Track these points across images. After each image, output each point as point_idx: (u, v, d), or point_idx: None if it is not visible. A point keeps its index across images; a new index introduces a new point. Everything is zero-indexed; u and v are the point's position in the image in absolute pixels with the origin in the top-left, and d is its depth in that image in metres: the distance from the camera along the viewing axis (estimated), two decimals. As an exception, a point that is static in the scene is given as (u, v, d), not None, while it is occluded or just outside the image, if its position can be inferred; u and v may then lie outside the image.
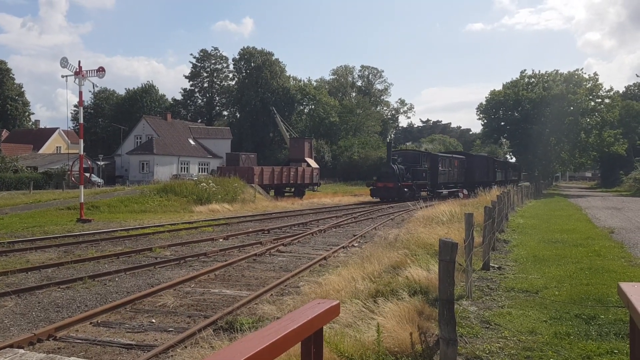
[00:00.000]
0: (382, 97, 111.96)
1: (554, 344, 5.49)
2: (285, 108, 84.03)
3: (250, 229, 19.00)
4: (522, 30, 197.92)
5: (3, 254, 12.83)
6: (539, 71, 59.91)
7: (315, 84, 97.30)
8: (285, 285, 9.77)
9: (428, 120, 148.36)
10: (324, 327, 2.84)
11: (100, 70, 19.29)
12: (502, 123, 60.42)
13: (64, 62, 19.36)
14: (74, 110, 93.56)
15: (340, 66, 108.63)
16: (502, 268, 10.37)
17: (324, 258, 12.74)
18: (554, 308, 6.92)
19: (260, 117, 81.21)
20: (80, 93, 19.93)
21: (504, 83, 60.85)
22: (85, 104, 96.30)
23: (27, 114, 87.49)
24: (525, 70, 62.08)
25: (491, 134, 63.06)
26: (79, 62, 19.70)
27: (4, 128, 75.56)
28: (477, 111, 62.63)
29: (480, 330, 6.12)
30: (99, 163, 57.99)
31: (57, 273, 10.68)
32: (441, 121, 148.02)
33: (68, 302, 8.27)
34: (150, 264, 11.71)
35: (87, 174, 51.99)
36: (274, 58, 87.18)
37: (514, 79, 60.14)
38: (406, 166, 37.99)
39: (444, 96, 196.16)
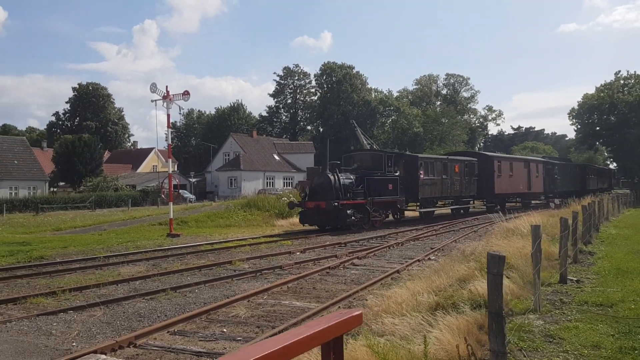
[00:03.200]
0: (468, 105, 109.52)
1: (616, 359, 5.28)
2: (367, 120, 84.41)
3: (328, 242, 19.31)
4: (620, 29, 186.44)
5: (99, 267, 13.94)
6: (635, 72, 56.30)
7: (397, 94, 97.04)
8: (354, 298, 9.93)
9: (520, 127, 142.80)
10: (361, 336, 3.02)
11: (185, 94, 20.54)
12: (597, 128, 57.26)
13: (153, 88, 20.79)
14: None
15: (424, 75, 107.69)
16: (581, 281, 9.95)
17: (397, 271, 12.77)
18: (625, 322, 6.61)
19: (342, 131, 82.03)
20: (168, 116, 21.33)
21: (597, 86, 57.72)
22: (178, 124, 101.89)
23: (126, 135, 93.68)
24: (619, 71, 58.56)
25: (585, 140, 59.93)
26: (167, 87, 21.10)
27: (106, 149, 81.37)
28: (570, 116, 59.76)
29: (541, 344, 5.99)
30: (191, 180, 60.99)
31: (144, 285, 11.47)
32: (534, 127, 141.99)
33: (150, 312, 8.90)
34: (228, 276, 12.29)
35: (179, 191, 54.86)
36: (354, 71, 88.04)
37: (608, 81, 56.90)
38: (359, 175, 24.94)
39: (536, 101, 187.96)
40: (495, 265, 4.95)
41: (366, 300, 9.44)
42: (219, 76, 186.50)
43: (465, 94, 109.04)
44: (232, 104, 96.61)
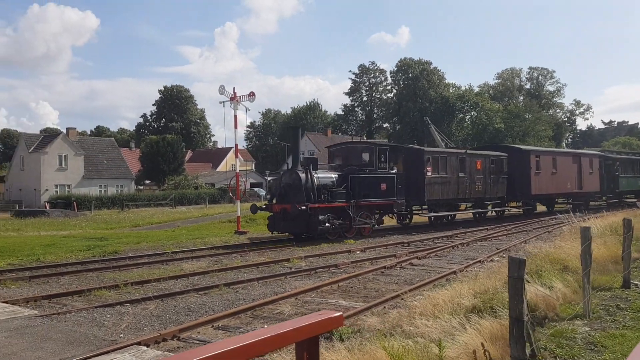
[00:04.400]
0: (554, 99, 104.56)
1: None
2: (445, 117, 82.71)
3: (391, 242, 19.16)
4: None
5: (165, 262, 14.62)
6: None
7: (477, 89, 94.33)
8: (402, 299, 9.81)
9: (611, 122, 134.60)
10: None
11: (251, 95, 21.11)
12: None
13: (222, 90, 21.50)
14: (247, 130, 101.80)
15: (506, 69, 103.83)
16: (646, 287, 9.29)
17: (454, 272, 12.47)
18: (678, 334, 6.13)
19: (419, 128, 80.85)
20: (235, 117, 22.00)
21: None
22: (256, 124, 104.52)
23: (208, 135, 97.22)
24: None
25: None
26: (234, 88, 21.77)
27: (188, 149, 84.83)
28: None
29: (579, 352, 5.68)
30: (267, 178, 62.44)
31: (201, 280, 11.91)
32: (627, 122, 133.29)
33: (199, 307, 9.25)
34: (282, 274, 12.50)
35: (255, 189, 56.28)
36: (432, 67, 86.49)
37: None
38: (343, 173, 20.87)
39: (631, 94, 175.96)
40: (516, 269, 4.77)
41: (414, 301, 9.32)
42: (297, 75, 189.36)
43: (550, 88, 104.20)
44: (307, 103, 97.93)
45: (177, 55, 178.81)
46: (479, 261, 14.22)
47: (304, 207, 18.28)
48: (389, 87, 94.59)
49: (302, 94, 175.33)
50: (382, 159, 21.55)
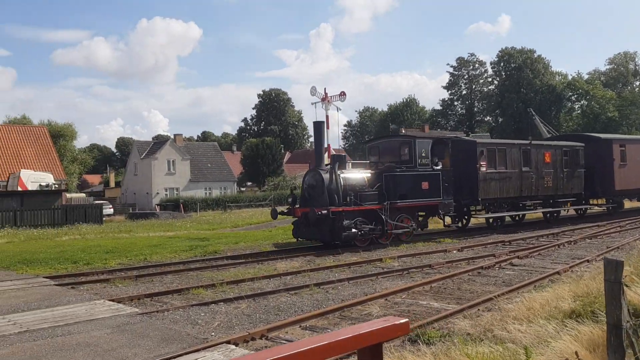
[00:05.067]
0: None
1: None
2: (552, 107, 78.31)
3: (490, 240, 18.37)
4: None
5: (260, 262, 14.99)
6: None
7: (587, 76, 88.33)
8: (497, 301, 9.32)
9: None
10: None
11: (342, 95, 21.15)
12: None
13: (313, 91, 21.77)
14: (344, 129, 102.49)
15: (618, 53, 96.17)
16: None
17: (557, 273, 11.69)
18: None
19: (523, 120, 77.09)
20: (327, 117, 22.13)
21: None
22: (352, 123, 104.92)
23: (305, 136, 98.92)
24: None
25: None
26: (325, 89, 21.97)
27: (287, 151, 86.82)
28: None
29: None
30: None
31: (293, 280, 12.06)
32: None
33: (289, 306, 9.35)
34: (374, 274, 12.36)
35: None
36: (535, 55, 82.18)
37: None
38: (377, 171, 18.66)
39: None
40: (612, 272, 4.31)
41: (511, 303, 8.82)
42: (393, 72, 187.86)
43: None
44: (404, 100, 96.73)
45: (275, 59, 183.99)
46: (587, 260, 13.26)
47: (324, 212, 16.28)
48: (489, 79, 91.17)
49: (399, 91, 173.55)
50: (424, 154, 18.90)
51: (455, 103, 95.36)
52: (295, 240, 18.11)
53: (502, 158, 21.89)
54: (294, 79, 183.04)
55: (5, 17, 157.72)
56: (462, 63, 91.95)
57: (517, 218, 23.90)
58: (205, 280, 12.31)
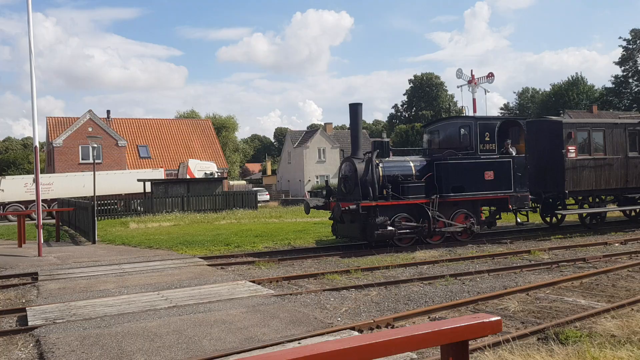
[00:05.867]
0: None
1: None
2: None
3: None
4: None
5: (400, 250, 14.79)
6: None
7: None
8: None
9: None
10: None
11: (490, 76, 20.04)
12: None
13: (459, 73, 20.91)
14: (501, 113, 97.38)
15: None
16: None
17: None
18: None
19: None
20: (474, 100, 21.12)
21: None
22: (511, 105, 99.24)
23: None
24: None
25: None
26: (471, 71, 21.02)
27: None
28: None
29: None
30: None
31: (429, 270, 11.73)
32: None
33: (419, 296, 9.10)
34: (518, 266, 11.58)
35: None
36: None
37: None
38: (428, 160, 16.00)
39: None
40: None
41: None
42: (558, 49, 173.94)
43: None
44: (569, 78, 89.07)
45: (427, 42, 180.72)
46: None
47: (352, 207, 14.08)
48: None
49: (565, 69, 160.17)
50: (487, 138, 15.74)
51: (630, 80, 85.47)
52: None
53: (598, 141, 17.92)
54: (447, 62, 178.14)
55: (179, 19, 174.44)
56: (637, 35, 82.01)
57: (598, 217, 18.66)
58: (342, 266, 12.48)
